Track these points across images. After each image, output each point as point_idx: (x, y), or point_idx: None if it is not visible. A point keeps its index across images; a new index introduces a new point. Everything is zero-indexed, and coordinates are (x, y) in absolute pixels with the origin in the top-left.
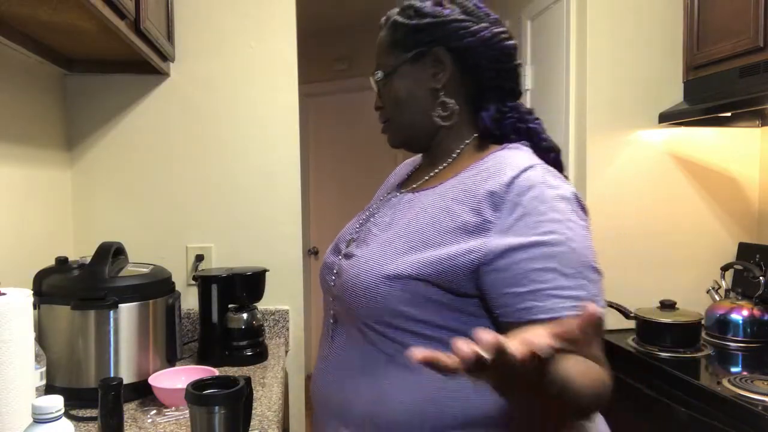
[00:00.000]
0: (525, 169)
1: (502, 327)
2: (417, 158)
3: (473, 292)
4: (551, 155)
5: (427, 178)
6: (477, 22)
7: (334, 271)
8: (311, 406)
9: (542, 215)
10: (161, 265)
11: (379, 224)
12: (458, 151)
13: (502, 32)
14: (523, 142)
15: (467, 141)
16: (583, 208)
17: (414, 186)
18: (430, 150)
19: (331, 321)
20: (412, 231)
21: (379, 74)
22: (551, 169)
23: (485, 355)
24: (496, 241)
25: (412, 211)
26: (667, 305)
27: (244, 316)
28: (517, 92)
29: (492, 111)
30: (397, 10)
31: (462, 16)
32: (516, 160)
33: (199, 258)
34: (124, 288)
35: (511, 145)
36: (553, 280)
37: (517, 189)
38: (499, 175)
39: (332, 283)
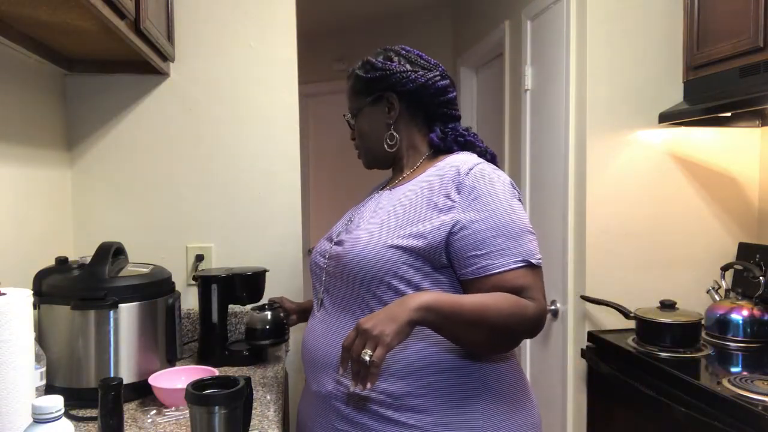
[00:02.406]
0: (477, 164)
1: (466, 284)
2: (389, 174)
3: (446, 262)
4: (487, 157)
5: (397, 181)
6: (416, 71)
7: (327, 257)
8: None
9: (491, 196)
10: (161, 265)
11: (366, 215)
12: (420, 161)
13: (435, 76)
14: (466, 152)
15: (426, 154)
16: (517, 189)
17: (389, 187)
18: (397, 165)
19: (321, 296)
20: (397, 214)
21: (349, 115)
22: (493, 165)
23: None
24: (460, 216)
25: (392, 201)
26: (667, 305)
27: (268, 315)
28: (456, 116)
29: (438, 131)
30: (359, 65)
31: (404, 67)
32: (468, 159)
33: (199, 258)
34: (124, 288)
35: (459, 152)
36: (501, 244)
37: (472, 177)
38: (459, 167)
39: (324, 265)
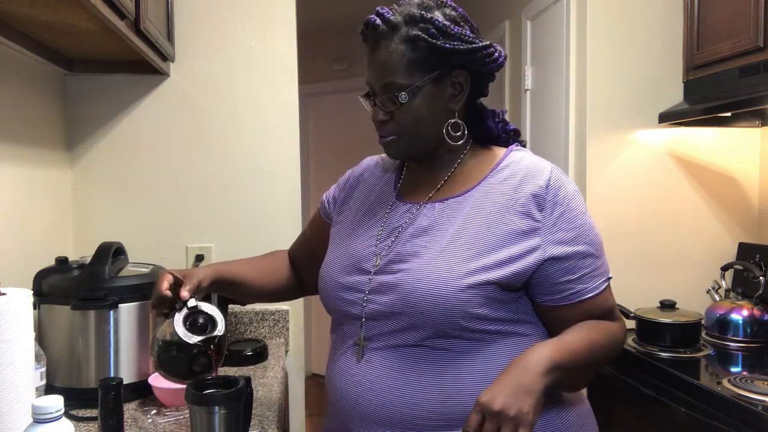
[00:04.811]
0: (551, 170)
1: (548, 310)
2: (387, 161)
3: (521, 286)
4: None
5: (440, 186)
6: (492, 44)
7: (367, 290)
8: (311, 407)
9: (574, 210)
10: (161, 265)
11: (420, 235)
12: (462, 157)
13: (501, 51)
14: (518, 142)
15: (467, 147)
16: None
17: (431, 194)
18: (433, 158)
19: (363, 342)
20: (470, 238)
21: (404, 95)
22: (558, 167)
23: None
24: (548, 237)
25: (457, 218)
26: (667, 305)
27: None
28: (486, 93)
29: (490, 120)
30: (402, 19)
31: (482, 43)
32: (537, 163)
33: (199, 258)
34: (124, 288)
35: (515, 147)
36: (591, 264)
37: (552, 190)
38: (534, 178)
39: (363, 302)
